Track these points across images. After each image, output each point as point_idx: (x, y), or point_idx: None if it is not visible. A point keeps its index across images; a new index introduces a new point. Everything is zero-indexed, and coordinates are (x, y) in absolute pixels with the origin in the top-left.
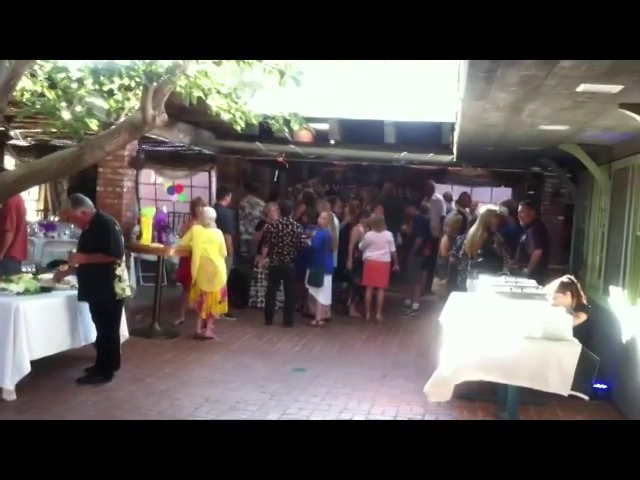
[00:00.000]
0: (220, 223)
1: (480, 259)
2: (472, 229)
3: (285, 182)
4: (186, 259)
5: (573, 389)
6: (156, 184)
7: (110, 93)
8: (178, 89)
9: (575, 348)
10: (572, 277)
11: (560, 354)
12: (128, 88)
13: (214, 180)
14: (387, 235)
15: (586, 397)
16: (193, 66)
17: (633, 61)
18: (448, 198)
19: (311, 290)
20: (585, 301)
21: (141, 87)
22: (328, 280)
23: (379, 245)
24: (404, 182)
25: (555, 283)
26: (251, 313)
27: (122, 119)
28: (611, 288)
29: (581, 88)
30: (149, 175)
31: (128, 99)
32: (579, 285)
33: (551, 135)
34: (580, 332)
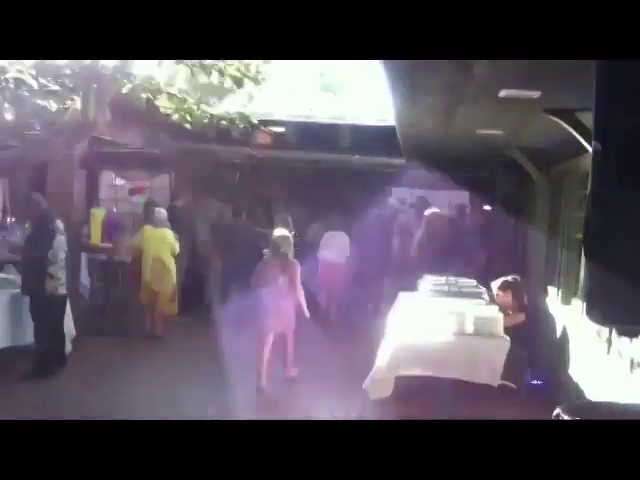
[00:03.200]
0: (175, 224)
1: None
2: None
3: (246, 185)
4: (138, 259)
5: (503, 379)
6: (117, 185)
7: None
8: (124, 91)
9: (504, 343)
10: (517, 277)
11: (489, 349)
12: (72, 89)
13: (173, 181)
14: (343, 237)
15: (514, 386)
16: (138, 69)
17: (545, 66)
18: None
19: None
20: (526, 302)
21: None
22: None
23: (333, 246)
24: (362, 185)
25: (499, 281)
26: None
27: (66, 119)
28: (549, 288)
29: (503, 94)
30: (110, 177)
31: (72, 99)
32: (522, 285)
33: (490, 139)
34: (518, 331)
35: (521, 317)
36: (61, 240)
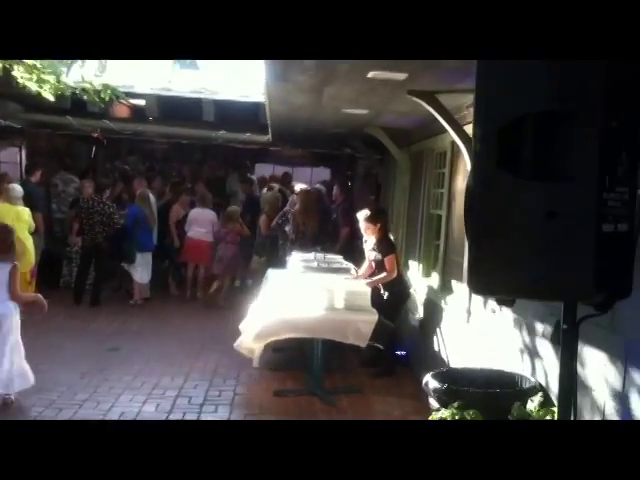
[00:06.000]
0: (29, 201)
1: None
2: (299, 208)
3: (103, 159)
4: None
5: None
6: None
7: None
8: None
9: (372, 316)
10: (380, 208)
11: (358, 321)
12: None
13: (24, 156)
14: (210, 214)
15: (381, 347)
16: None
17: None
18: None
19: (126, 267)
20: (391, 237)
21: None
22: (144, 258)
23: (201, 223)
24: (226, 161)
25: (363, 213)
26: (64, 294)
27: None
28: (410, 262)
29: (371, 74)
30: None
31: None
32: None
33: (355, 118)
34: (392, 296)
35: (392, 275)
36: None
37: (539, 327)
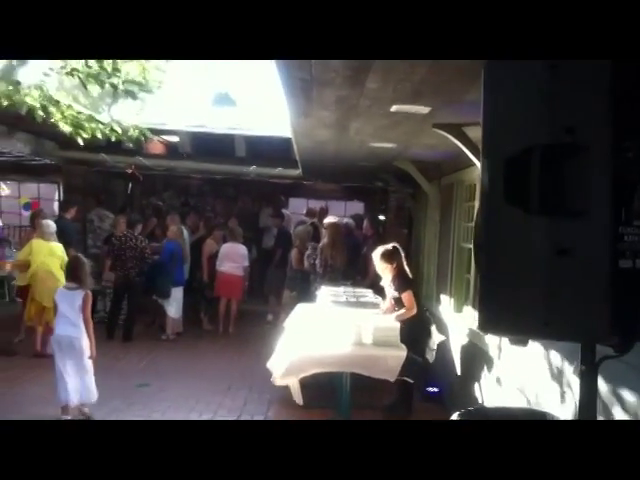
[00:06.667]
0: (63, 236)
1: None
2: (327, 241)
3: (139, 195)
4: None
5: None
6: (1, 197)
7: None
8: (6, 102)
9: (401, 352)
10: (395, 245)
11: (387, 357)
12: None
13: (62, 192)
14: (241, 249)
15: (411, 381)
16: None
17: (435, 84)
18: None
19: (160, 302)
20: (409, 273)
21: None
22: (177, 292)
23: (232, 258)
24: (259, 196)
25: (377, 253)
26: (97, 329)
27: None
28: (442, 296)
29: (394, 108)
30: None
31: None
32: (402, 254)
33: (383, 152)
34: (412, 332)
35: (413, 311)
36: None
37: (569, 363)
